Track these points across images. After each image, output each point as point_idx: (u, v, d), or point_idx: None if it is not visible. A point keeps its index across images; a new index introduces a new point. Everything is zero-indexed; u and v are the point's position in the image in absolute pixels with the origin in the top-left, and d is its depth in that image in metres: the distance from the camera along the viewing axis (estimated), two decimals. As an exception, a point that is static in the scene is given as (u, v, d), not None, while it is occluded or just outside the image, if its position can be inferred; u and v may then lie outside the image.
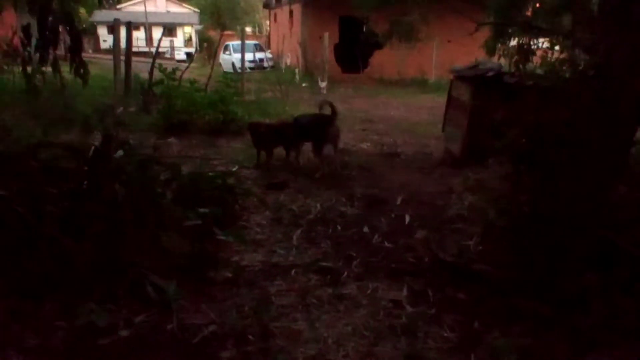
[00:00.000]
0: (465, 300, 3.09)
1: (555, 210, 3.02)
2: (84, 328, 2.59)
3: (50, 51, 3.76)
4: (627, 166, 3.35)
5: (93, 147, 3.52)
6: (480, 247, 3.74)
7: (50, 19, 3.69)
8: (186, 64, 11.65)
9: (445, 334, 2.78)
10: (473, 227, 4.15)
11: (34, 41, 3.80)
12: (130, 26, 11.28)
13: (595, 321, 2.71)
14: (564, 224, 2.99)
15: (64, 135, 6.08)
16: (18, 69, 7.21)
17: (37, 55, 3.77)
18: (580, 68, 3.68)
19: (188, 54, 28.81)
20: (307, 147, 6.21)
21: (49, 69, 4.19)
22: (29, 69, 4.11)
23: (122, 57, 10.70)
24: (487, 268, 3.30)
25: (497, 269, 3.25)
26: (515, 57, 6.73)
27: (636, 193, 3.34)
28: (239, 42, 16.77)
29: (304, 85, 16.64)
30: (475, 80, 6.12)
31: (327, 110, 5.90)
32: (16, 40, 7.94)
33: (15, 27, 9.35)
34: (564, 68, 4.86)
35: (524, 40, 6.85)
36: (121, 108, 9.03)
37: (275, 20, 27.63)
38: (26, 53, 3.95)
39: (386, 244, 3.96)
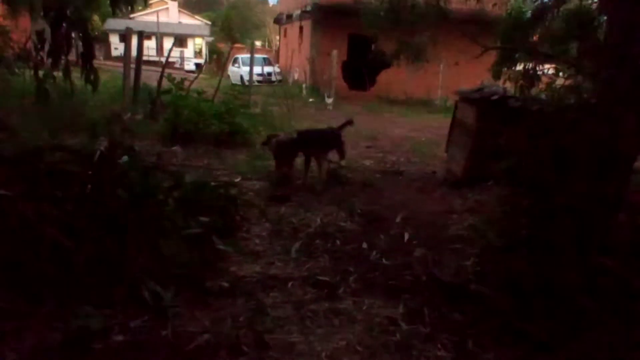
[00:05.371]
0: (460, 321, 3.09)
1: (553, 235, 3.03)
2: (80, 330, 2.61)
3: (62, 57, 3.83)
4: (626, 194, 3.37)
5: (98, 152, 3.56)
6: (478, 268, 3.74)
7: (64, 25, 3.77)
8: (195, 75, 11.78)
9: (439, 353, 2.77)
10: (472, 247, 4.15)
11: (47, 46, 3.88)
12: (142, 35, 11.43)
13: (590, 347, 2.71)
14: (561, 248, 3.00)
15: (71, 140, 6.14)
16: (30, 72, 7.30)
17: (50, 60, 3.84)
18: (585, 95, 3.73)
19: (197, 65, 29.15)
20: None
21: (59, 73, 4.26)
22: (40, 73, 4.17)
23: (132, 65, 10.82)
24: (484, 289, 3.31)
25: (494, 291, 3.25)
26: (521, 82, 6.81)
27: (635, 221, 3.35)
28: (248, 55, 16.98)
29: (310, 100, 16.77)
30: (480, 103, 6.17)
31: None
32: (30, 45, 8.05)
33: (29, 31, 9.48)
34: (569, 95, 4.91)
35: (530, 65, 6.92)
36: (129, 115, 9.12)
37: (285, 35, 27.94)
38: (39, 57, 4.02)
39: (384, 261, 3.97)
